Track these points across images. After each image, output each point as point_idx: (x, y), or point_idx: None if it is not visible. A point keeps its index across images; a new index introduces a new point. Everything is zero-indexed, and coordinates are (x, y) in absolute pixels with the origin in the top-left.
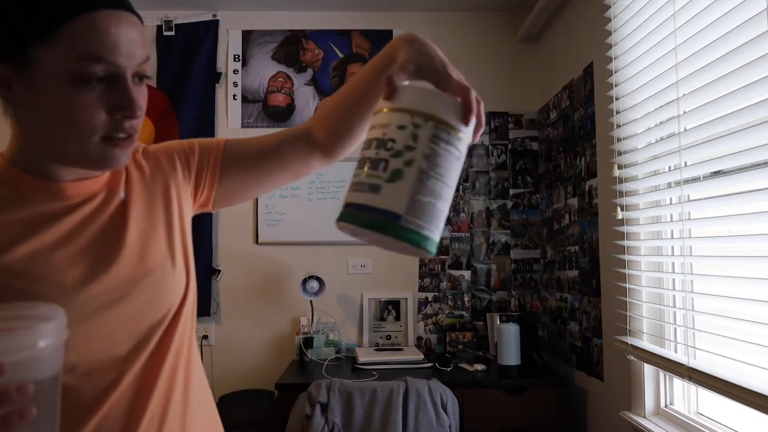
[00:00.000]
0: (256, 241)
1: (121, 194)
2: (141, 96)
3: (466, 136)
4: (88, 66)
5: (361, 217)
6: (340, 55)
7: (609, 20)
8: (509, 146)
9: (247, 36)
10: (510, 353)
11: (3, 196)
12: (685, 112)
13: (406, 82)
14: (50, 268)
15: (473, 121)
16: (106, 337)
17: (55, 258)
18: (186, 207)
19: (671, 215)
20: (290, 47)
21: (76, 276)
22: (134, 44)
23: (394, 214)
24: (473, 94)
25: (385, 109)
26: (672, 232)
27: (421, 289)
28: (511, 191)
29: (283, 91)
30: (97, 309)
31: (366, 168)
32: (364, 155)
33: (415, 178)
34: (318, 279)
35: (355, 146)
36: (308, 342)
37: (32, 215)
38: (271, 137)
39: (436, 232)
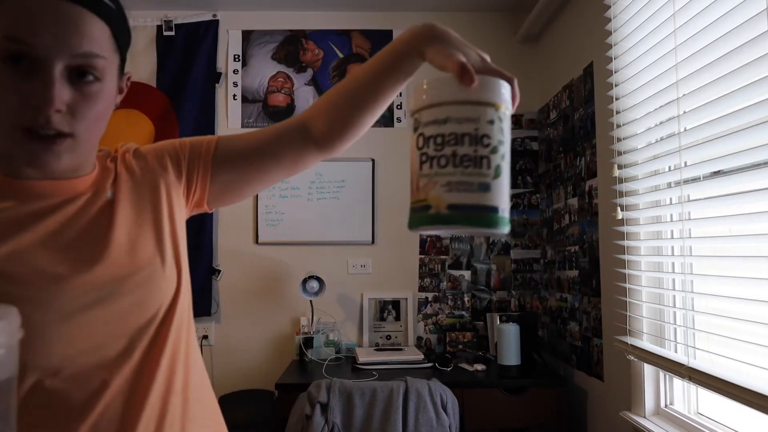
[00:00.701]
0: (256, 241)
1: (108, 194)
2: (73, 93)
3: None
4: (4, 44)
5: (477, 218)
6: (340, 55)
7: (609, 20)
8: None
9: (247, 36)
10: (510, 353)
11: None
12: (685, 112)
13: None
14: (30, 268)
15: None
16: (90, 338)
17: (36, 258)
18: (177, 207)
19: (671, 215)
20: (290, 47)
21: (57, 275)
22: (68, 33)
23: (498, 208)
24: (516, 81)
25: (464, 101)
26: (672, 232)
27: (421, 289)
28: (511, 191)
29: (283, 91)
30: (78, 309)
31: (468, 166)
32: (457, 152)
33: (507, 170)
34: (318, 279)
35: (354, 140)
36: (308, 342)
37: (13, 215)
38: (264, 131)
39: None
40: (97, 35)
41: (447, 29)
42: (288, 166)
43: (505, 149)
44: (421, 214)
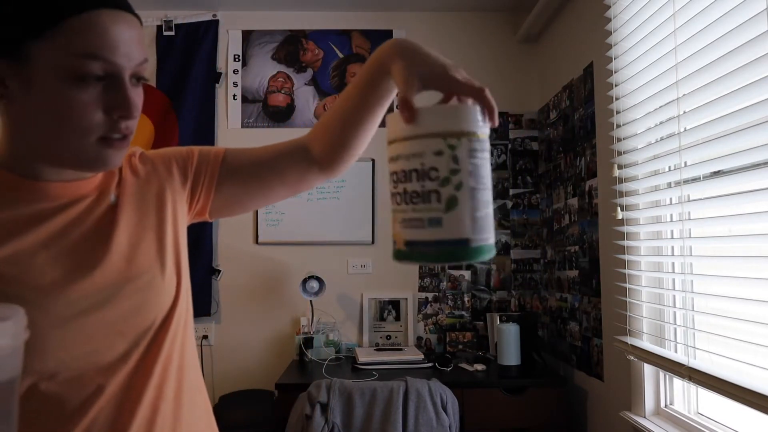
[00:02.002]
0: (256, 241)
1: (112, 198)
2: (138, 97)
3: (488, 133)
4: (86, 64)
5: (433, 254)
6: (340, 55)
7: (609, 20)
8: (509, 146)
9: (247, 36)
10: (510, 353)
11: None
12: (685, 112)
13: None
14: (30, 270)
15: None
16: (87, 343)
17: (36, 260)
18: (181, 213)
19: (671, 215)
20: (290, 47)
21: (56, 279)
22: (133, 45)
23: (463, 240)
24: (488, 92)
25: (408, 136)
26: (672, 232)
27: (421, 289)
28: (511, 191)
29: (283, 91)
30: (77, 314)
31: (417, 203)
32: (407, 189)
33: (468, 198)
34: (318, 279)
35: (353, 160)
36: (308, 342)
37: (16, 216)
38: (270, 148)
39: (492, 235)
40: (141, 38)
41: (414, 44)
42: (291, 185)
43: (462, 178)
44: (393, 249)
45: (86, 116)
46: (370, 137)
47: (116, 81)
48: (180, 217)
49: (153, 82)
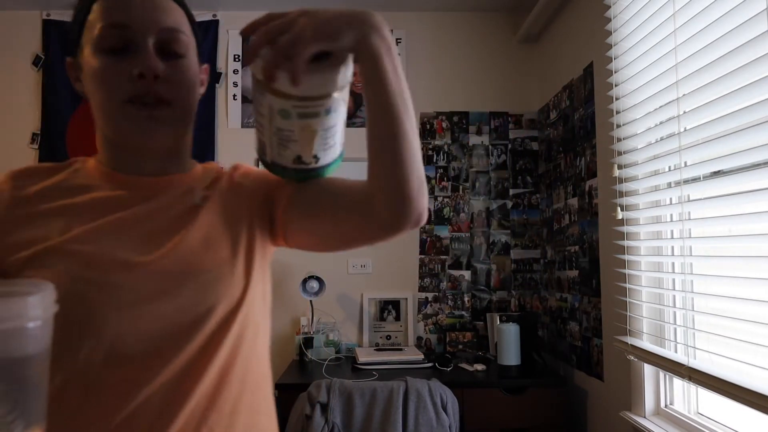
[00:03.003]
0: None
1: (197, 199)
2: (165, 65)
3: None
4: (107, 34)
5: None
6: None
7: (609, 20)
8: (509, 146)
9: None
10: (510, 353)
11: (76, 184)
12: (685, 112)
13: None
14: (99, 253)
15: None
16: (139, 330)
17: (107, 244)
18: (259, 230)
19: (671, 215)
20: None
21: (121, 264)
22: (156, 11)
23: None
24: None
25: None
26: (672, 232)
27: (421, 289)
28: (511, 191)
29: None
30: (135, 300)
31: None
32: None
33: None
34: (318, 279)
35: (409, 192)
36: (308, 342)
37: (95, 200)
38: (346, 182)
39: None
40: (177, 14)
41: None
42: (348, 237)
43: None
44: None
45: (114, 77)
46: (405, 148)
47: (138, 47)
48: (258, 232)
49: None
